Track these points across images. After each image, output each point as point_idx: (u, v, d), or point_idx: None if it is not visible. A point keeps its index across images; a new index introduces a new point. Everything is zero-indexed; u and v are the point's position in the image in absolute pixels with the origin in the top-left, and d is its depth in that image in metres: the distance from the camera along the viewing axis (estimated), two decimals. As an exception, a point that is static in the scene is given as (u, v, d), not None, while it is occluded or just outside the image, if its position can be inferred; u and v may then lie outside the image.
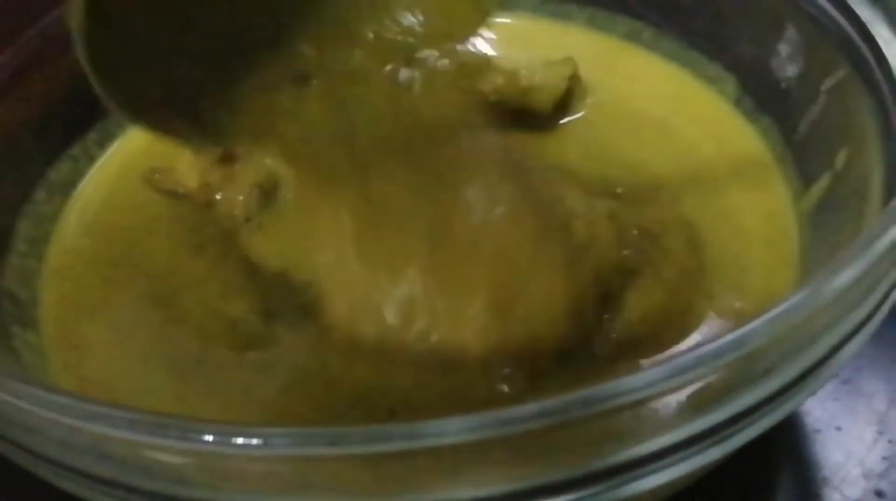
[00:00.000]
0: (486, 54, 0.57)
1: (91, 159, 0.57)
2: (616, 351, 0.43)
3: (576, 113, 0.57)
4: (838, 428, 0.47)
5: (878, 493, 0.45)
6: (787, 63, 0.53)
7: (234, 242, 0.49)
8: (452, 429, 0.29)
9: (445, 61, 0.54)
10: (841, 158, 0.46)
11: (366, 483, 0.31)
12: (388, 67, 0.47)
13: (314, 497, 0.32)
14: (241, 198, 0.50)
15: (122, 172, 0.56)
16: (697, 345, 0.31)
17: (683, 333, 0.44)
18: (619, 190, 0.51)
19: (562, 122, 0.56)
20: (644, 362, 0.43)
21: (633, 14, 0.61)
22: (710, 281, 0.46)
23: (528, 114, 0.56)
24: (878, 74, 0.44)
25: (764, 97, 0.54)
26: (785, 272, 0.47)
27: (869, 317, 0.35)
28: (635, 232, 0.47)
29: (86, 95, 0.58)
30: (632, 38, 0.61)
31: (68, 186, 0.56)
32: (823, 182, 0.47)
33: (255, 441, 0.30)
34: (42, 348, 0.47)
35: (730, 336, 0.31)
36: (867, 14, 0.46)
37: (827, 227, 0.46)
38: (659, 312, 0.44)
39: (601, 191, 0.50)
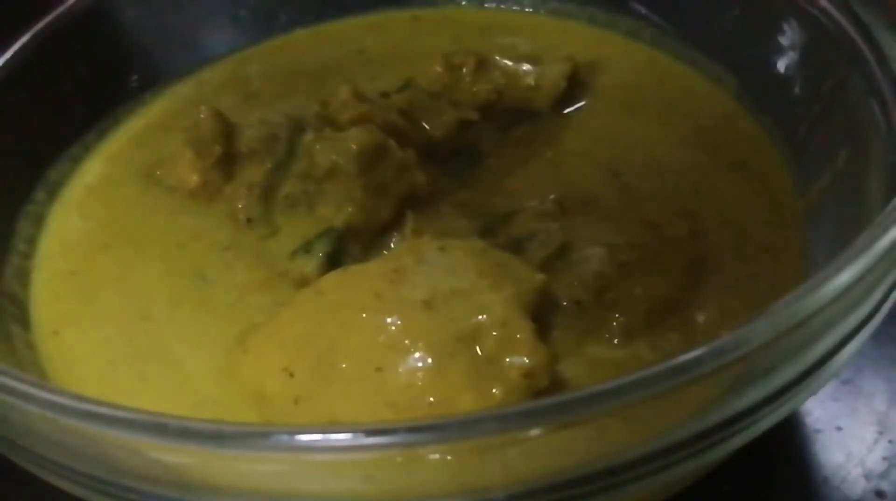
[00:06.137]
0: (487, 54, 0.57)
1: (90, 159, 0.57)
2: (625, 346, 0.43)
3: (578, 103, 0.57)
4: (839, 428, 0.48)
5: (879, 493, 0.45)
6: (787, 64, 0.53)
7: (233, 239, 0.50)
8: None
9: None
10: (842, 158, 0.47)
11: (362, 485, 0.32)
12: None
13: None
14: (242, 197, 0.51)
15: (120, 169, 0.56)
16: (699, 343, 0.31)
17: (689, 322, 0.44)
18: (622, 177, 0.51)
19: (565, 111, 0.57)
20: (654, 355, 0.43)
21: (634, 13, 0.61)
22: (714, 269, 0.46)
23: (529, 111, 0.56)
24: (879, 75, 0.44)
25: (765, 97, 0.54)
26: (789, 259, 0.47)
27: (869, 317, 0.35)
28: (639, 227, 0.47)
29: (84, 97, 0.59)
30: (633, 36, 0.61)
31: (67, 186, 0.56)
32: (825, 181, 0.48)
33: (251, 441, 0.30)
34: (35, 344, 0.47)
35: (730, 336, 0.31)
36: (868, 15, 0.46)
37: (828, 225, 0.46)
38: (664, 303, 0.44)
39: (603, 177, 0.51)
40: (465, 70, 0.56)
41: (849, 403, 0.48)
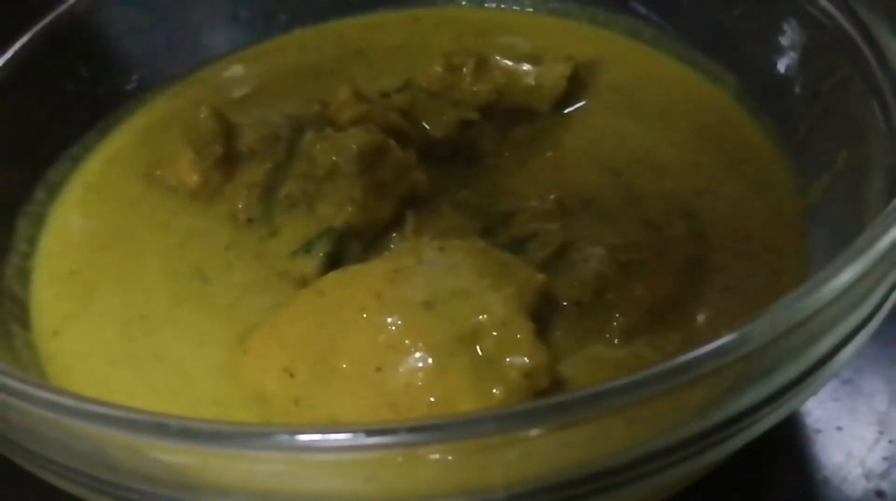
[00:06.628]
0: (487, 54, 0.57)
1: (90, 159, 0.57)
2: (625, 346, 0.43)
3: (578, 103, 0.57)
4: (839, 428, 0.48)
5: (879, 493, 0.45)
6: (787, 64, 0.53)
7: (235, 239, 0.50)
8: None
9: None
10: (842, 158, 0.47)
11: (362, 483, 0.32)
12: None
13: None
14: (243, 197, 0.51)
15: (120, 169, 0.56)
16: (699, 343, 0.31)
17: (689, 322, 0.44)
18: (622, 177, 0.51)
19: (565, 111, 0.57)
20: (654, 355, 0.43)
21: (634, 13, 0.61)
22: (714, 269, 0.46)
23: (529, 111, 0.56)
24: (879, 75, 0.45)
25: (765, 97, 0.54)
26: (789, 259, 0.47)
27: (869, 317, 0.35)
28: (639, 227, 0.47)
29: (84, 97, 0.59)
30: (633, 35, 0.61)
31: (67, 186, 0.56)
32: (825, 181, 0.48)
33: (252, 441, 0.30)
34: (35, 344, 0.47)
35: (730, 336, 0.31)
36: (868, 15, 0.46)
37: (828, 225, 0.46)
38: (664, 303, 0.44)
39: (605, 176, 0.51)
40: (465, 70, 0.56)
41: (849, 403, 0.48)
